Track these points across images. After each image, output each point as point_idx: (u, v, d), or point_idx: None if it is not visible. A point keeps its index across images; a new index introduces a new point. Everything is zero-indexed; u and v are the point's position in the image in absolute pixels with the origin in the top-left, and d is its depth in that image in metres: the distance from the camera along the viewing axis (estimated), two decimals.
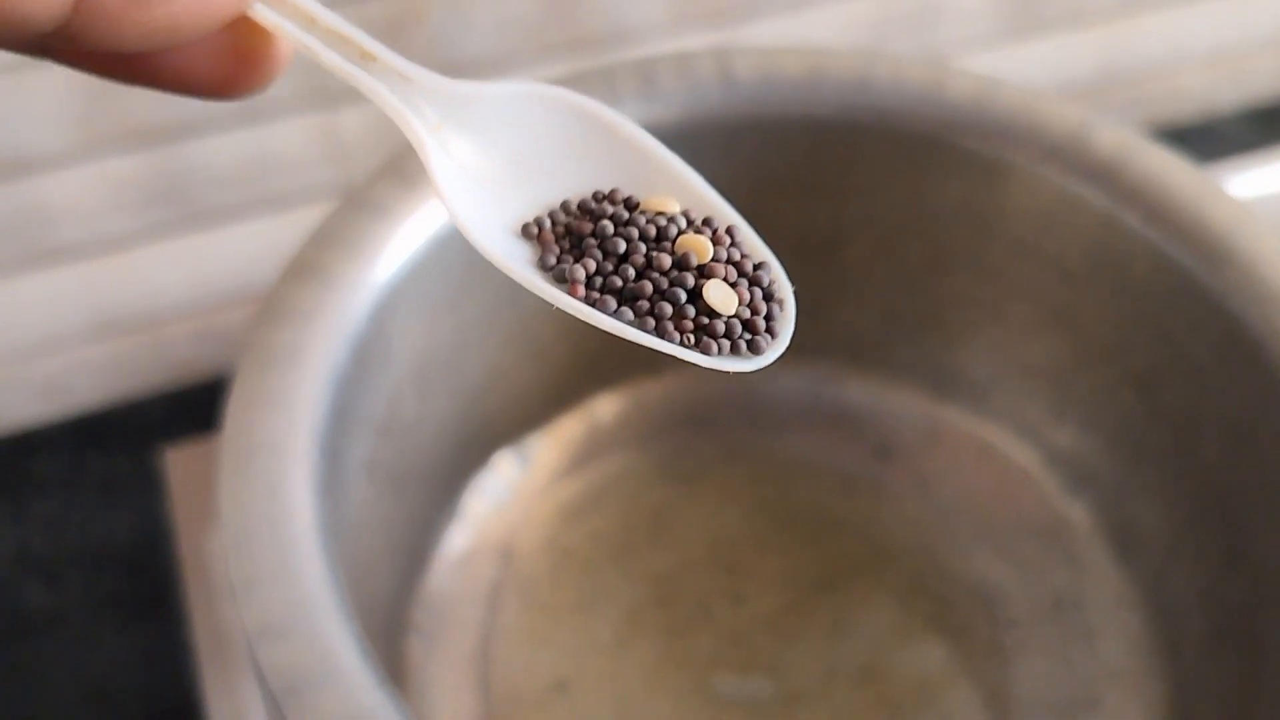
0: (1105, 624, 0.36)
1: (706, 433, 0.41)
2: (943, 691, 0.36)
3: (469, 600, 0.37)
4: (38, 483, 0.49)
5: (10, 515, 0.47)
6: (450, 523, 0.38)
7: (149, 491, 0.48)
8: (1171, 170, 0.32)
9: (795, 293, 0.39)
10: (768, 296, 0.19)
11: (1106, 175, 0.33)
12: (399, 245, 0.30)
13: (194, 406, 0.50)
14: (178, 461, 0.43)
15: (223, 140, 0.45)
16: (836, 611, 0.37)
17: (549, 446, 0.40)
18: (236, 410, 0.26)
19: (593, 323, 0.17)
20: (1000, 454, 0.39)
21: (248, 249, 0.49)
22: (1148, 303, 0.33)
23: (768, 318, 0.19)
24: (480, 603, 0.37)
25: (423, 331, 0.32)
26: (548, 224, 0.19)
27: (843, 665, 0.36)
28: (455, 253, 0.32)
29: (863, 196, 0.36)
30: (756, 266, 0.19)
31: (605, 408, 0.41)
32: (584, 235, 0.18)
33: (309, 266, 0.29)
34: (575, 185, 0.19)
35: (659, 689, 0.36)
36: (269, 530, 0.24)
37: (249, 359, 0.27)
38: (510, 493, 0.39)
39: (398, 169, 0.31)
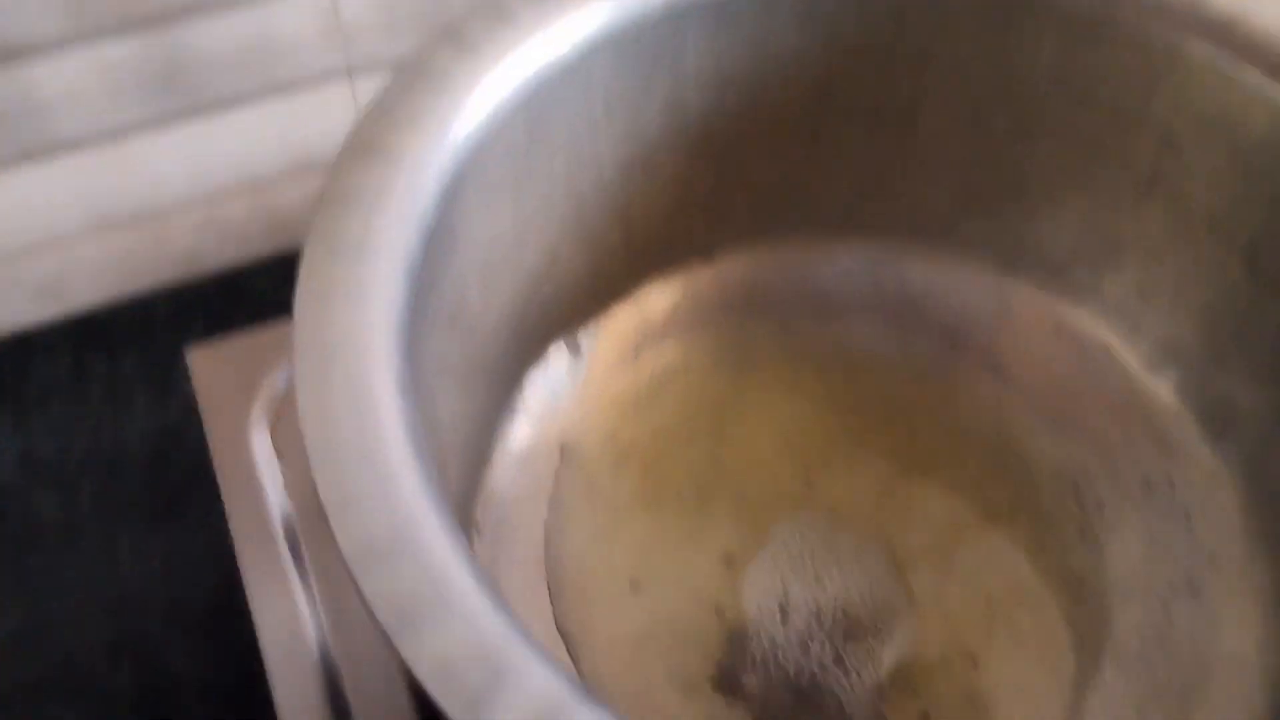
0: (1200, 506, 0.33)
1: (763, 320, 0.38)
2: (1032, 582, 0.33)
3: (530, 499, 0.34)
4: (40, 387, 0.47)
5: (13, 422, 0.45)
6: (509, 419, 0.34)
7: (157, 393, 0.46)
8: None
9: (864, 168, 0.36)
10: None
11: (1223, 29, 0.29)
12: (463, 121, 0.26)
13: (199, 303, 0.49)
14: (200, 360, 0.39)
15: (219, 23, 0.43)
16: (914, 500, 0.35)
17: (602, 338, 0.37)
18: (308, 304, 0.22)
19: None
20: (1077, 331, 0.36)
21: (249, 137, 0.47)
22: (1264, 163, 0.30)
23: None
24: (542, 501, 0.34)
25: (486, 215, 0.28)
26: None
27: (925, 554, 0.34)
28: (520, 127, 0.28)
29: (947, 61, 0.33)
30: None
31: (657, 296, 0.38)
32: None
33: (371, 145, 0.25)
34: None
35: (736, 579, 0.33)
36: (359, 443, 0.21)
37: (316, 247, 0.23)
38: (566, 386, 0.36)
39: (455, 34, 0.27)
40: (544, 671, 0.19)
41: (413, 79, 0.26)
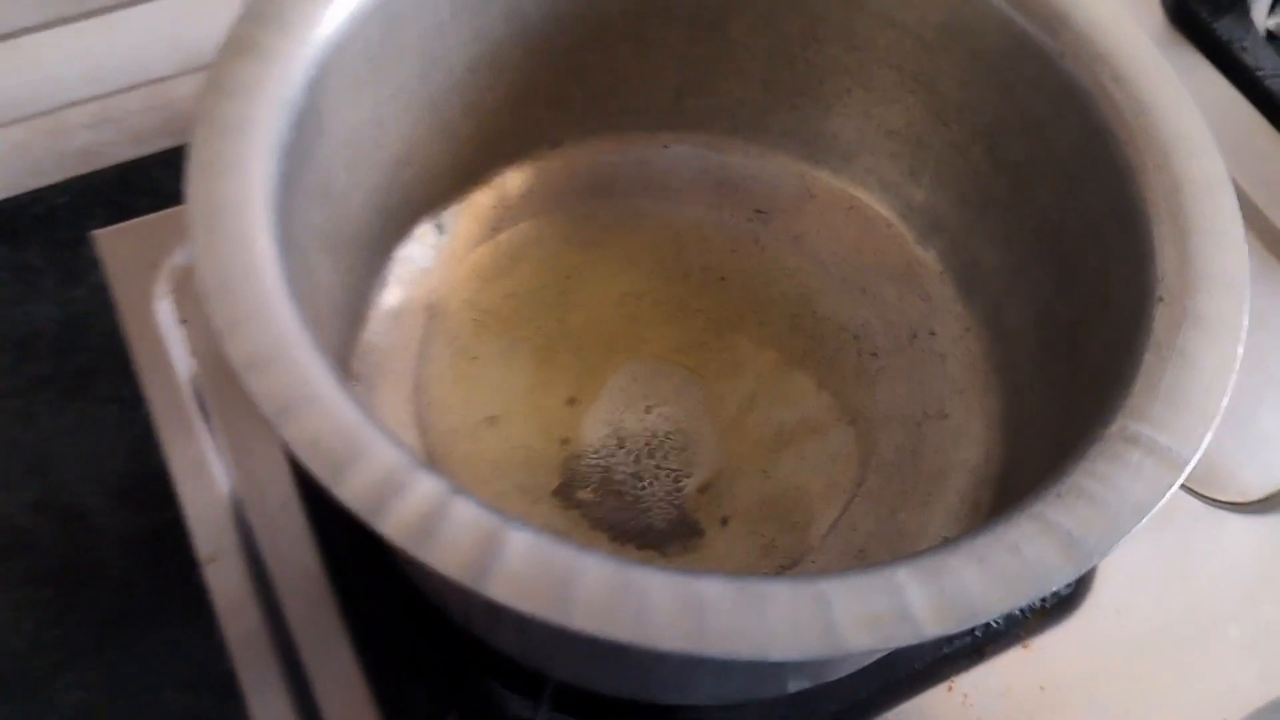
0: (952, 349, 0.40)
1: (606, 200, 0.44)
2: (816, 413, 0.40)
3: (401, 352, 0.39)
4: None
5: None
6: (381, 286, 0.40)
7: (64, 278, 0.48)
8: None
9: (685, 68, 0.41)
10: None
11: None
12: (324, 23, 0.31)
13: (97, 193, 0.50)
14: (106, 241, 0.44)
15: None
16: (726, 350, 0.41)
17: (464, 217, 0.42)
18: (197, 175, 0.27)
19: None
20: (865, 209, 0.43)
21: (142, 37, 0.48)
22: (995, 65, 0.36)
23: None
24: (412, 354, 0.40)
25: (348, 105, 0.33)
26: None
27: (731, 396, 0.40)
28: (375, 28, 0.33)
29: None
30: None
31: (513, 181, 0.43)
32: None
33: (246, 43, 0.29)
34: None
35: (577, 416, 0.39)
36: (244, 278, 0.26)
37: (202, 130, 0.28)
38: (432, 259, 0.41)
39: None
40: (391, 447, 0.25)
41: None
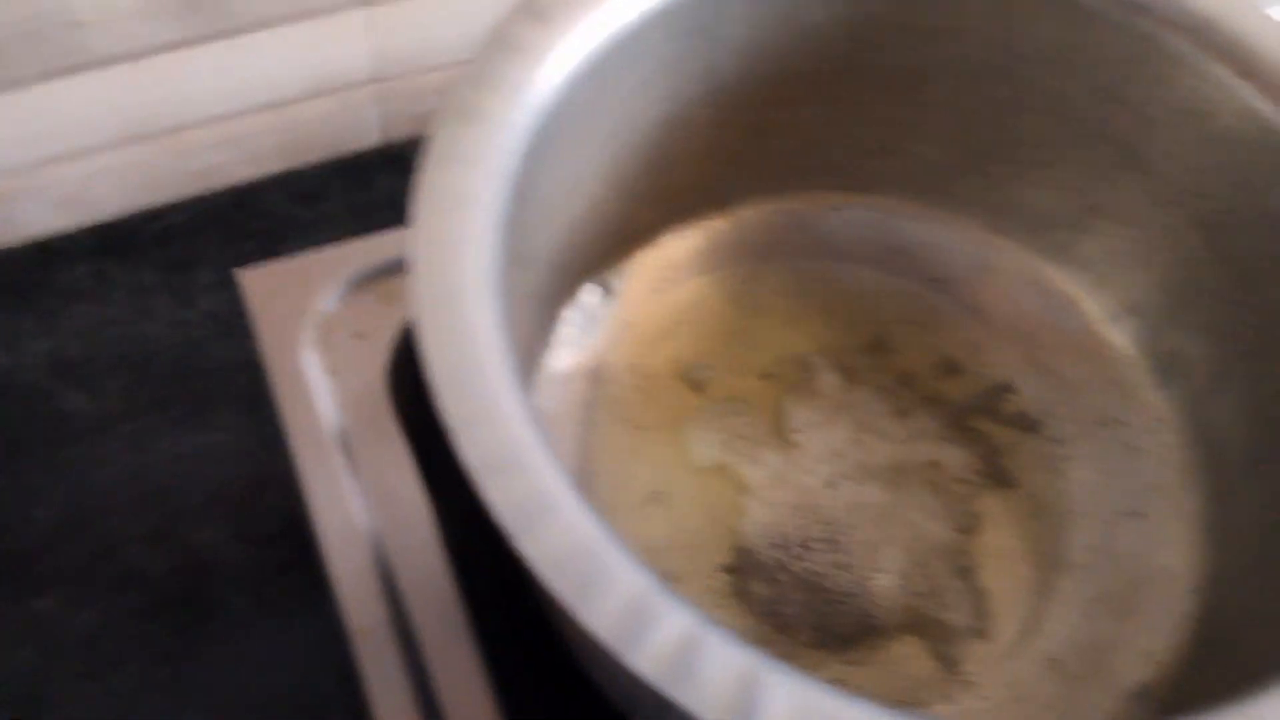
0: (1146, 442, 0.38)
1: (772, 263, 0.42)
2: (998, 504, 0.38)
3: (567, 420, 0.38)
4: (63, 292, 0.48)
5: (40, 324, 0.47)
6: (546, 349, 0.38)
7: (178, 300, 0.48)
8: (1264, 28, 0.32)
9: (873, 128, 0.39)
10: None
11: (1200, 29, 0.33)
12: (542, 86, 0.29)
13: (213, 212, 0.50)
14: (252, 283, 0.42)
15: None
16: (900, 430, 0.39)
17: (629, 278, 0.40)
18: (422, 253, 0.25)
19: None
20: (1049, 283, 0.41)
21: (270, 60, 0.48)
22: (1228, 152, 0.34)
23: None
24: (577, 421, 0.38)
25: (549, 168, 0.32)
26: None
27: (909, 481, 0.38)
28: (588, 91, 0.31)
29: (953, 37, 0.36)
30: None
31: (678, 241, 0.41)
32: None
33: (466, 109, 0.28)
34: None
35: (747, 498, 0.37)
36: (474, 373, 0.24)
37: (426, 202, 0.26)
38: (596, 321, 0.39)
39: (532, 8, 0.30)
40: (634, 570, 0.23)
41: (499, 49, 0.29)
